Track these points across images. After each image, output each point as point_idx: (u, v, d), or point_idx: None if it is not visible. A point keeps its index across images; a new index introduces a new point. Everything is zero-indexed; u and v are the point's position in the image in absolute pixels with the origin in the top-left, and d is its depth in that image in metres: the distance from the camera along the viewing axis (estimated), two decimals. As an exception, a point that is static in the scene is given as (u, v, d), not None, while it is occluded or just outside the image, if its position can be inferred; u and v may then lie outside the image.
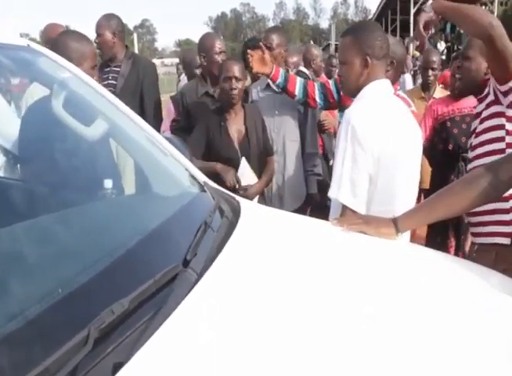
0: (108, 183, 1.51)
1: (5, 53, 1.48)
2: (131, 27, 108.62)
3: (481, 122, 2.00)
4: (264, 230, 1.43)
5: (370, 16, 40.37)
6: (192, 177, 1.63)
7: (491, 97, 1.94)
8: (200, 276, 1.05)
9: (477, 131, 2.03)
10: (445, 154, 3.10)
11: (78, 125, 1.58)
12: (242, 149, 2.56)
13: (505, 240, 1.91)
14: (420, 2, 17.03)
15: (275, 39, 2.99)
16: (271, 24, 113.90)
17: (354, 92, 1.89)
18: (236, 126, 2.58)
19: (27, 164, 1.61)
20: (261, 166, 2.65)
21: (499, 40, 1.73)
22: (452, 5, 1.93)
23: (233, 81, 2.45)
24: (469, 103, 3.03)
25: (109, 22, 3.03)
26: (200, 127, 2.56)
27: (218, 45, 2.79)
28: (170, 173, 1.62)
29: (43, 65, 1.56)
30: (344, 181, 1.70)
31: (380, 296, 1.11)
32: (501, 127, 1.90)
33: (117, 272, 0.99)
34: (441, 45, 18.68)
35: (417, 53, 18.33)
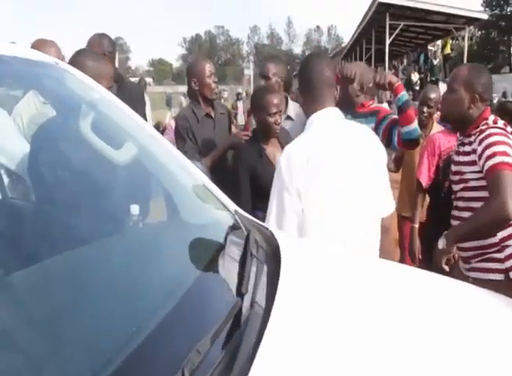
0: (140, 211, 1.45)
1: (33, 71, 1.41)
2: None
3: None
4: (308, 259, 1.38)
5: (344, 44, 41.26)
6: (223, 205, 1.57)
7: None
8: (266, 310, 1.00)
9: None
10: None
11: (107, 148, 1.50)
12: None
13: (499, 277, 2.03)
14: (395, 33, 17.51)
15: (271, 68, 3.03)
16: (245, 48, 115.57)
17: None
18: (274, 153, 2.53)
19: (48, 186, 1.52)
20: None
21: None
22: (464, 230, 2.03)
23: (277, 115, 2.45)
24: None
25: (101, 41, 2.98)
26: (243, 166, 2.50)
27: (209, 68, 2.83)
28: (200, 201, 1.56)
29: (70, 84, 1.49)
30: (272, 217, 1.81)
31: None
32: None
33: (186, 310, 0.93)
34: (415, 76, 19.21)
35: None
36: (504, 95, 15.02)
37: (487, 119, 2.08)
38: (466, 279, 2.08)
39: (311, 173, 1.71)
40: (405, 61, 25.26)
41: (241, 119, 12.81)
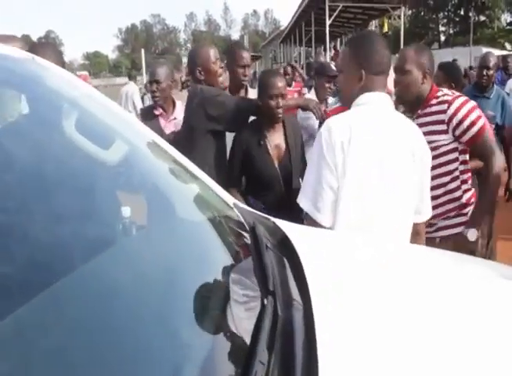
0: (132, 212, 1.35)
1: (8, 66, 1.27)
2: (34, 38, 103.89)
3: None
4: (323, 248, 1.32)
5: (282, 27, 41.32)
6: (221, 199, 1.49)
7: None
8: (306, 307, 0.93)
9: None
10: None
11: (95, 148, 1.39)
12: (282, 167, 2.46)
13: (461, 229, 2.26)
14: (334, 15, 17.66)
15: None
16: (182, 36, 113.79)
17: (348, 103, 1.84)
18: (275, 142, 2.46)
19: (31, 193, 1.38)
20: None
21: None
22: (487, 207, 2.24)
23: (279, 99, 2.37)
24: None
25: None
26: (237, 146, 2.44)
27: (214, 54, 2.65)
28: (199, 196, 1.47)
29: (50, 81, 1.36)
30: (307, 190, 1.72)
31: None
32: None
33: (218, 318, 0.86)
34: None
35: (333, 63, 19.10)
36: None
37: (438, 90, 2.31)
38: (432, 241, 2.25)
39: (351, 152, 1.63)
40: (344, 42, 25.60)
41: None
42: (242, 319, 1.00)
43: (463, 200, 2.28)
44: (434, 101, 2.28)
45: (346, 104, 1.92)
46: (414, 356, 0.84)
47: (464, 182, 2.29)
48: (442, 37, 55.99)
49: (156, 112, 3.09)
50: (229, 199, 1.51)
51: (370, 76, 1.76)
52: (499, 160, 2.20)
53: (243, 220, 1.41)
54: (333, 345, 0.83)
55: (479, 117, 2.20)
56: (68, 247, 1.08)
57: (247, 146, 2.42)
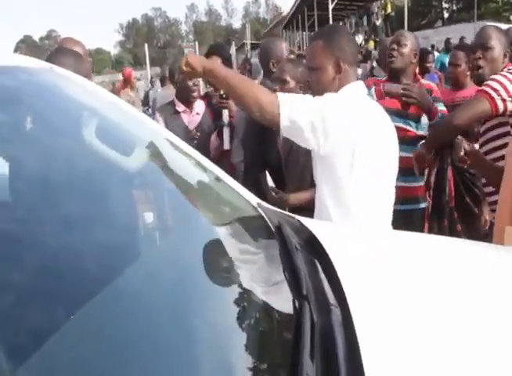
0: (156, 218, 1.34)
1: (27, 77, 1.26)
2: (36, 38, 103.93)
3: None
4: (353, 247, 1.30)
5: (284, 13, 40.92)
6: (245, 199, 1.48)
7: None
8: (342, 308, 0.90)
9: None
10: None
11: (117, 156, 1.38)
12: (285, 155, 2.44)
13: None
14: (337, -3, 17.47)
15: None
16: (184, 28, 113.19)
17: None
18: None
19: (54, 203, 1.38)
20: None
21: None
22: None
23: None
24: (464, 93, 3.16)
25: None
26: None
27: (287, 47, 2.76)
28: (225, 199, 1.46)
29: (68, 90, 1.35)
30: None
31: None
32: None
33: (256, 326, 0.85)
34: (359, 38, 19.32)
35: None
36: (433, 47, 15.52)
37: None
38: None
39: (362, 131, 1.67)
40: (348, 26, 25.36)
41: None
42: (277, 327, 0.99)
43: None
44: None
45: None
46: (459, 357, 0.83)
47: None
48: (446, 15, 55.14)
49: (179, 109, 3.07)
50: (253, 199, 1.50)
51: (346, 67, 1.78)
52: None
53: (268, 220, 1.39)
54: (377, 349, 0.81)
55: None
56: (93, 256, 1.06)
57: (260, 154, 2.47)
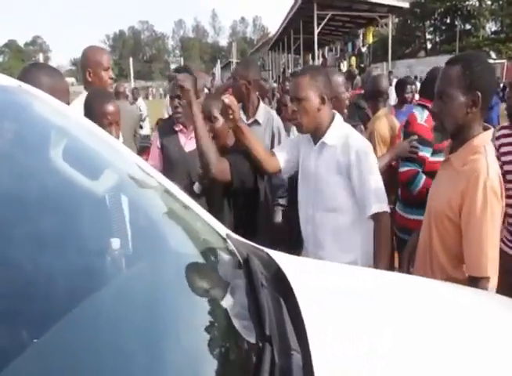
0: (122, 245, 1.29)
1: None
2: (21, 43, 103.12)
3: None
4: (319, 283, 1.28)
5: (270, 35, 41.45)
6: (214, 230, 1.44)
7: None
8: (304, 352, 0.88)
9: None
10: None
11: (83, 179, 1.33)
12: None
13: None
14: (323, 23, 17.73)
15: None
16: (170, 42, 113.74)
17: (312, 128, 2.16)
18: None
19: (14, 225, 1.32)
20: None
21: None
22: None
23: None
24: None
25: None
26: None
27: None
28: (191, 227, 1.42)
29: (37, 109, 1.30)
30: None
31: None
32: None
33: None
34: (344, 66, 19.63)
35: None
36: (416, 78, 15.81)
37: None
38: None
39: None
40: (334, 51, 25.80)
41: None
42: (237, 365, 0.95)
43: None
44: None
45: (309, 131, 2.16)
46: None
47: None
48: (429, 45, 56.56)
49: (176, 128, 2.93)
50: (222, 229, 1.46)
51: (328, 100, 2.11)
52: None
53: (236, 252, 1.36)
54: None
55: None
56: (55, 280, 1.02)
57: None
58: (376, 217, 2.02)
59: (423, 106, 2.81)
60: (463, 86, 1.66)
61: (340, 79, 2.89)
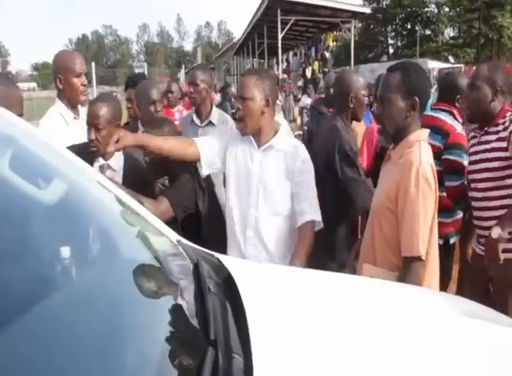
0: (73, 253, 1.27)
1: None
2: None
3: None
4: (267, 287, 1.30)
5: (235, 39, 41.53)
6: (165, 235, 1.45)
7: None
8: (246, 356, 0.90)
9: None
10: None
11: (31, 188, 1.30)
12: None
13: None
14: (286, 28, 17.90)
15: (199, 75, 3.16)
16: (135, 47, 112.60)
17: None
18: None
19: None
20: None
21: None
22: None
23: None
24: None
25: None
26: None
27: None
28: (141, 234, 1.41)
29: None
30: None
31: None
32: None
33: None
34: (309, 70, 19.83)
35: (285, 76, 19.32)
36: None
37: (508, 111, 2.31)
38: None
39: None
40: (298, 56, 26.02)
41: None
42: (182, 368, 0.96)
43: None
44: (501, 120, 2.30)
45: (252, 132, 2.14)
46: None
47: None
48: (391, 50, 57.72)
49: None
50: (173, 235, 1.46)
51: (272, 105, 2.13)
52: None
53: (187, 257, 1.37)
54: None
55: None
56: (3, 289, 1.00)
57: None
58: (306, 225, 2.07)
59: (447, 111, 2.81)
60: (402, 92, 1.78)
61: (360, 79, 2.83)
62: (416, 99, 1.78)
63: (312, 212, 2.08)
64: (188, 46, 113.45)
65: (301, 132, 8.48)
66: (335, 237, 2.73)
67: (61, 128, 2.52)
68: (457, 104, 2.85)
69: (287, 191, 2.11)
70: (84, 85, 2.65)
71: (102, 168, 2.26)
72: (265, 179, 2.13)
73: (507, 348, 1.19)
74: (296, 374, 0.90)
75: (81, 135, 2.48)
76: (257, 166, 2.15)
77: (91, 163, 2.15)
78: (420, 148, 1.77)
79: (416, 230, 1.69)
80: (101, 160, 2.29)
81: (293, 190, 2.11)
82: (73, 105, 2.64)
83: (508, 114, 2.29)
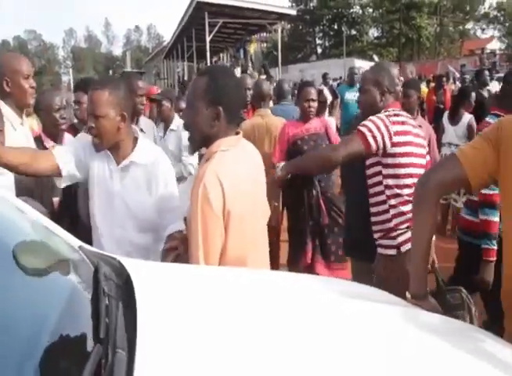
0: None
1: None
2: None
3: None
4: (164, 287, 1.31)
5: (165, 43, 41.10)
6: (66, 242, 1.42)
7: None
8: (130, 355, 0.92)
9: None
10: None
11: None
12: None
13: (392, 252, 2.31)
14: (214, 30, 17.93)
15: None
16: (61, 53, 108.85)
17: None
18: None
19: None
20: None
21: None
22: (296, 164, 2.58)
23: None
24: (314, 124, 3.41)
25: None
26: None
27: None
28: (41, 241, 1.38)
29: None
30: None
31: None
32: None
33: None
34: (238, 72, 19.97)
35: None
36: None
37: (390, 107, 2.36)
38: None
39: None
40: (227, 58, 26.13)
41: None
42: (72, 363, 0.97)
43: (391, 224, 2.29)
44: None
45: (108, 147, 2.04)
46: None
47: (393, 207, 2.28)
48: (319, 50, 59.21)
49: (47, 144, 2.83)
50: (75, 241, 1.44)
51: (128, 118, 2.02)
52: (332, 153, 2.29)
53: (88, 262, 1.36)
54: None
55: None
56: None
57: None
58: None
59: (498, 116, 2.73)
60: (206, 99, 1.66)
61: (396, 72, 2.57)
62: (220, 108, 1.66)
63: (178, 223, 2.03)
64: (117, 51, 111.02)
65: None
66: None
67: (8, 132, 2.39)
68: None
69: (152, 206, 2.05)
70: (33, 87, 2.53)
71: None
72: (127, 198, 2.05)
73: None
74: (177, 367, 0.93)
75: (25, 143, 2.39)
76: (118, 184, 2.06)
77: None
78: (212, 162, 1.66)
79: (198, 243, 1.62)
80: None
81: (157, 205, 2.05)
82: (20, 108, 2.53)
83: (390, 109, 2.32)
